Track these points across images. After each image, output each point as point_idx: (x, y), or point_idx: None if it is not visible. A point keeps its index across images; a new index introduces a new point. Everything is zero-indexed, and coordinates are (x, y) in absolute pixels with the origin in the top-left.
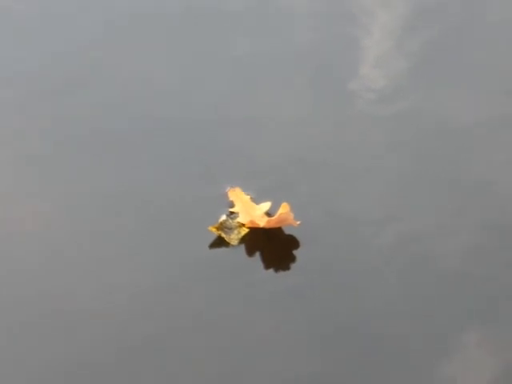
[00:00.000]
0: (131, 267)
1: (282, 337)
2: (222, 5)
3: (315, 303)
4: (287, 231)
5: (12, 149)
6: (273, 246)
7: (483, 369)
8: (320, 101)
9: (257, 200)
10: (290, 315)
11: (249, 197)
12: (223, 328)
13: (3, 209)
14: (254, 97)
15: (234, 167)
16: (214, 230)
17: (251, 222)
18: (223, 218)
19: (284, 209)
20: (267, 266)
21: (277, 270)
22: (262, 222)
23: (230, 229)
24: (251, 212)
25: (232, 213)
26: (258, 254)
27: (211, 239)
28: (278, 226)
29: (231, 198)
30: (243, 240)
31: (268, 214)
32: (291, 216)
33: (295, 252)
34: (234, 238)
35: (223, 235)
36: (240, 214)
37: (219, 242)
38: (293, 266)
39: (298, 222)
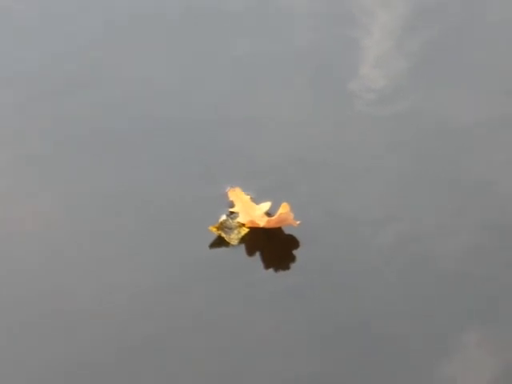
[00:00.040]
0: (131, 267)
1: (282, 337)
2: (222, 5)
3: (315, 303)
4: (287, 231)
5: (12, 149)
6: (273, 246)
7: (483, 369)
8: (320, 101)
9: (257, 200)
10: (289, 315)
11: (249, 197)
12: (223, 328)
13: (3, 209)
14: (254, 97)
15: (234, 167)
16: (214, 229)
17: (251, 221)
18: (223, 217)
19: (284, 209)
20: (267, 265)
21: (277, 269)
22: (262, 221)
23: (230, 229)
24: (251, 212)
25: (232, 213)
26: (257, 254)
27: (211, 239)
28: (277, 225)
29: (231, 198)
30: (243, 240)
31: (268, 213)
32: (291, 216)
33: (295, 252)
34: (234, 237)
35: (223, 235)
36: (240, 214)
37: (219, 242)
38: (293, 265)
39: (298, 222)
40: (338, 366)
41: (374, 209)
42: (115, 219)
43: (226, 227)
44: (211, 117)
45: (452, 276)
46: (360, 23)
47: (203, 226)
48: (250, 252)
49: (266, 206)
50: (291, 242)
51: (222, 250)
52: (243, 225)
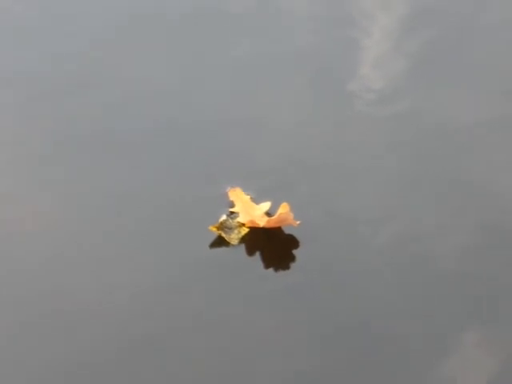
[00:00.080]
0: (131, 267)
1: (282, 337)
2: (222, 5)
3: (315, 303)
4: (287, 231)
5: (12, 149)
6: (273, 246)
7: (483, 369)
8: (320, 101)
9: (257, 200)
10: (289, 315)
11: (249, 197)
12: (223, 328)
13: (3, 209)
14: (254, 97)
15: (234, 167)
16: (214, 229)
17: (251, 221)
18: (223, 217)
19: (284, 209)
20: (267, 265)
21: (276, 269)
22: (262, 221)
23: (230, 228)
24: (251, 212)
25: (232, 213)
26: (257, 254)
27: (211, 239)
28: (277, 225)
29: (231, 198)
30: (243, 240)
31: (268, 213)
32: (291, 216)
33: (295, 252)
34: (234, 237)
35: (223, 235)
36: (240, 214)
37: (219, 242)
38: (292, 265)
39: (298, 222)
40: (337, 365)
41: (373, 209)
42: (115, 219)
43: (226, 227)
44: (211, 117)
45: (452, 276)
46: (360, 24)
47: (203, 225)
48: (250, 252)
49: (265, 205)
50: (291, 242)
51: (222, 249)
52: (243, 225)
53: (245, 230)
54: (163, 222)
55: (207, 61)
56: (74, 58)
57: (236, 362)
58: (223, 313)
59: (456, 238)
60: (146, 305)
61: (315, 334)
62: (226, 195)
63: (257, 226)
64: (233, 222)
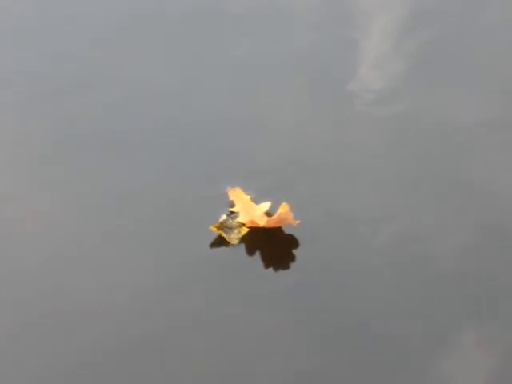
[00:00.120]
0: (131, 267)
1: (282, 337)
2: (222, 6)
3: (315, 303)
4: (287, 231)
5: (12, 149)
6: (272, 246)
7: (483, 369)
8: (320, 101)
9: (257, 200)
10: (289, 315)
11: (249, 197)
12: (223, 328)
13: (3, 209)
14: (254, 97)
15: (234, 167)
16: (214, 229)
17: (251, 221)
18: (223, 217)
19: (284, 209)
20: (267, 265)
21: (276, 269)
22: (262, 221)
23: (231, 228)
24: (251, 212)
25: (232, 212)
26: (257, 254)
27: (211, 239)
28: (277, 225)
29: (231, 198)
30: (243, 239)
31: (268, 213)
32: (291, 216)
33: (295, 251)
34: (234, 237)
35: (223, 235)
36: (240, 214)
37: (219, 242)
38: (292, 265)
39: (298, 222)
40: (337, 365)
41: (373, 209)
42: (115, 219)
43: (226, 227)
44: (211, 117)
45: (452, 276)
46: (359, 24)
47: (203, 225)
48: (250, 251)
49: (265, 205)
50: (291, 242)
51: (223, 249)
52: (243, 224)
53: (245, 230)
54: (163, 222)
55: (207, 61)
56: (74, 58)
57: (236, 361)
58: (223, 313)
59: (456, 238)
60: (146, 305)
61: (315, 334)
62: (226, 195)
63: (257, 225)
64: (233, 222)
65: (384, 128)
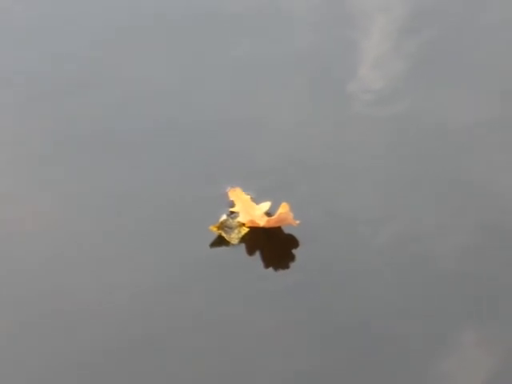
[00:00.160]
0: (131, 267)
1: (282, 337)
2: (222, 6)
3: (315, 303)
4: (287, 231)
5: (12, 149)
6: (272, 246)
7: (483, 369)
8: (320, 101)
9: (257, 200)
10: (289, 314)
11: (249, 197)
12: (223, 328)
13: (3, 209)
14: (254, 97)
15: (234, 167)
16: (214, 229)
17: (251, 221)
18: (224, 217)
19: (283, 208)
20: (267, 264)
21: (276, 268)
22: (262, 221)
23: (231, 228)
24: (251, 212)
25: (232, 212)
26: (257, 253)
27: (212, 239)
28: (277, 225)
29: (231, 198)
30: (243, 239)
31: (268, 213)
32: (291, 216)
33: (295, 251)
34: (234, 237)
35: (224, 234)
36: (240, 214)
37: (220, 242)
38: (292, 265)
39: (298, 222)
40: (337, 365)
41: (373, 209)
42: (115, 219)
43: (226, 227)
44: (211, 117)
45: (452, 276)
46: (359, 24)
47: (203, 225)
48: (250, 251)
49: (265, 205)
50: (291, 242)
51: (223, 249)
52: (243, 224)
53: (245, 230)
54: (163, 222)
55: (207, 61)
56: (74, 58)
57: (236, 361)
58: (223, 313)
59: (456, 238)
60: (146, 305)
61: (315, 334)
62: (226, 195)
63: (257, 225)
64: (233, 222)
65: (384, 128)
